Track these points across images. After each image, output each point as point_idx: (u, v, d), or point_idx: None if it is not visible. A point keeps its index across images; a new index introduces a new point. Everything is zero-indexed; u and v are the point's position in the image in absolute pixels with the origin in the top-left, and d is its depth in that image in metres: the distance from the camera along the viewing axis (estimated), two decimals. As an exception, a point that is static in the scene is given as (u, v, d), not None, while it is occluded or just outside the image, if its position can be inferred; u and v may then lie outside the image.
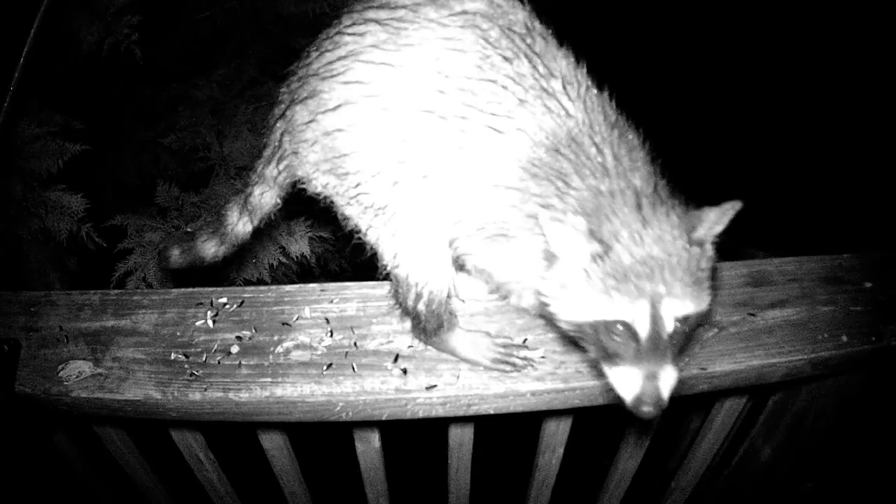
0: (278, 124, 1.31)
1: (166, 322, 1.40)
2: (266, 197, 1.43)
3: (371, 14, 1.17)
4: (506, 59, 1.12)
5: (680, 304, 1.03)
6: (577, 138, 1.12)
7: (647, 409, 1.04)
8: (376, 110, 1.15)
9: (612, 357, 1.07)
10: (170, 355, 1.33)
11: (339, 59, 1.18)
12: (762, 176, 4.28)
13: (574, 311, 1.08)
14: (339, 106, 1.18)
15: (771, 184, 4.25)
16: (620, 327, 1.04)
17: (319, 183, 1.29)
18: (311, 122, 1.22)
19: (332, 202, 1.30)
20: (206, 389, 1.27)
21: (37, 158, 2.24)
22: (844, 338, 1.36)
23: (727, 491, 1.98)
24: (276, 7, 2.90)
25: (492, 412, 1.33)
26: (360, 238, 1.29)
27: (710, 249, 1.10)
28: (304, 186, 1.34)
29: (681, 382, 1.30)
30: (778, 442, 1.73)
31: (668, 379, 1.05)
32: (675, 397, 1.36)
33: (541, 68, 1.14)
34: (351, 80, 1.16)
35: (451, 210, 1.21)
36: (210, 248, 1.54)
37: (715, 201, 1.10)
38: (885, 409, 1.74)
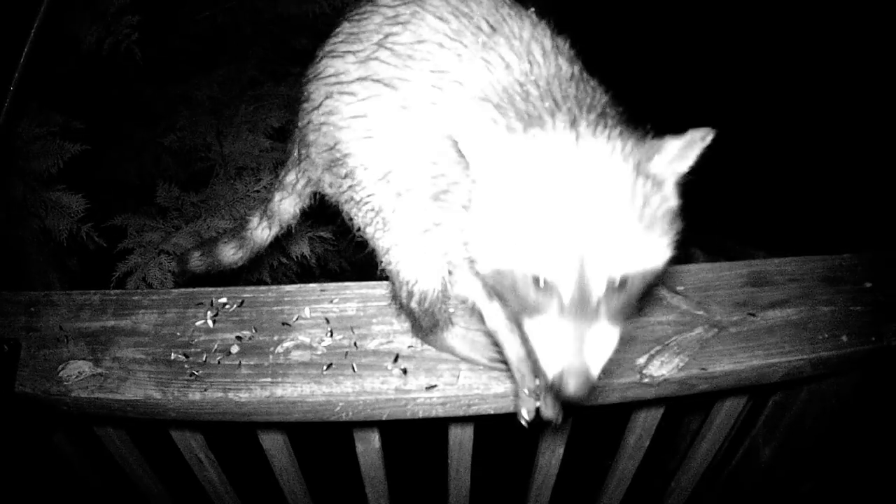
0: (295, 132, 1.34)
1: (166, 322, 1.40)
2: (285, 204, 1.46)
3: (346, 15, 1.23)
4: (440, 18, 1.11)
5: (617, 261, 0.84)
6: (518, 87, 1.02)
7: (569, 387, 0.85)
8: (347, 99, 1.18)
9: (533, 312, 0.90)
10: (170, 355, 1.33)
11: (321, 59, 1.23)
12: (762, 176, 4.28)
13: (486, 256, 0.92)
14: (321, 102, 1.21)
15: (771, 184, 4.25)
16: (539, 282, 0.87)
17: (325, 183, 1.31)
18: (308, 122, 1.25)
19: (336, 201, 1.31)
20: (206, 389, 1.27)
21: (37, 158, 2.23)
22: (844, 338, 1.36)
23: (727, 491, 1.98)
24: (276, 7, 2.90)
25: (492, 412, 1.33)
26: (360, 236, 1.29)
27: (670, 190, 0.92)
28: (320, 191, 1.37)
29: (681, 382, 1.31)
30: (778, 442, 1.73)
31: (598, 346, 0.87)
32: (675, 397, 1.37)
33: (484, 26, 1.10)
34: (325, 74, 1.20)
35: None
36: (230, 253, 1.57)
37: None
38: (886, 409, 1.74)
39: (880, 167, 3.99)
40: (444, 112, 1.07)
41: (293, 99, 2.74)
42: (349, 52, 1.18)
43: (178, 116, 2.79)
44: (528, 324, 0.92)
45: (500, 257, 0.90)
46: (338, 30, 1.23)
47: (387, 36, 1.13)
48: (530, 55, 1.08)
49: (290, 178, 1.41)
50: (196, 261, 1.62)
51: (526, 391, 1.22)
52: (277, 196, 1.46)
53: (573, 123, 0.90)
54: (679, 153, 0.89)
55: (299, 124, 1.30)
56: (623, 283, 0.87)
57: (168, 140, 2.74)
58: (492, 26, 1.10)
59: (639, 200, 0.85)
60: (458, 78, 1.07)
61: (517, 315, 0.95)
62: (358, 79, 1.15)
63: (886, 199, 3.70)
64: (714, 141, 0.89)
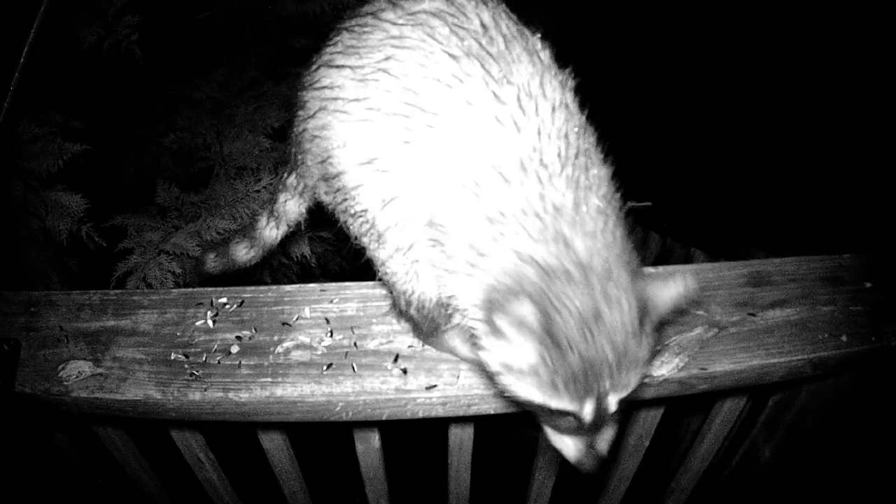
0: (291, 135, 1.33)
1: (166, 322, 1.40)
2: (289, 205, 1.48)
3: (345, 23, 1.18)
4: (452, 56, 1.05)
5: (626, 392, 1.01)
6: (526, 165, 1.01)
7: (587, 468, 1.06)
8: (341, 117, 1.15)
9: (555, 426, 1.07)
10: (170, 355, 1.33)
11: (318, 67, 1.20)
12: (762, 176, 4.28)
13: (517, 390, 1.03)
14: (315, 113, 1.19)
15: (771, 184, 4.25)
16: (566, 415, 1.02)
17: (321, 191, 1.29)
18: (303, 130, 1.23)
19: (332, 210, 1.30)
20: (206, 389, 1.27)
21: (37, 158, 2.23)
22: (844, 338, 1.36)
23: (727, 491, 1.98)
24: (276, 7, 2.90)
25: (492, 412, 1.33)
26: (357, 244, 1.28)
27: (656, 330, 1.05)
28: (317, 197, 1.36)
29: (681, 382, 1.31)
30: (778, 442, 1.73)
31: (607, 439, 1.06)
32: (676, 397, 1.37)
33: (494, 72, 1.04)
34: (321, 86, 1.17)
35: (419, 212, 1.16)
36: (242, 252, 1.60)
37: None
38: (886, 409, 1.74)
39: (880, 167, 3.99)
40: (450, 168, 1.05)
41: (293, 99, 2.74)
42: (346, 66, 1.13)
43: (178, 116, 2.79)
44: (546, 424, 1.07)
45: (529, 397, 1.01)
46: (336, 38, 1.18)
47: (388, 59, 1.08)
48: (541, 123, 1.04)
49: (291, 180, 1.41)
50: (211, 262, 1.65)
51: None
52: (282, 197, 1.47)
53: (590, 289, 0.96)
54: (670, 303, 1.03)
55: (295, 130, 1.28)
56: (626, 400, 1.02)
57: (168, 140, 2.74)
58: (504, 75, 1.04)
59: (644, 355, 0.99)
60: (467, 137, 1.04)
61: (542, 420, 1.08)
62: (354, 99, 1.11)
63: (886, 199, 3.70)
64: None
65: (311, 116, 1.19)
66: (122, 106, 2.88)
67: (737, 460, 1.88)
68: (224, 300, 1.43)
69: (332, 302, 1.42)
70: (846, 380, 1.53)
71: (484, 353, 1.04)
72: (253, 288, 1.47)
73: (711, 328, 1.36)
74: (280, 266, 2.54)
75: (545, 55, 1.11)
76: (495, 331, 0.98)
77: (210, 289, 1.47)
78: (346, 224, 1.27)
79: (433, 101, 1.05)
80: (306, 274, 2.69)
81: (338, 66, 1.15)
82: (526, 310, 0.92)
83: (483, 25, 1.08)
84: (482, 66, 1.04)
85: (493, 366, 1.03)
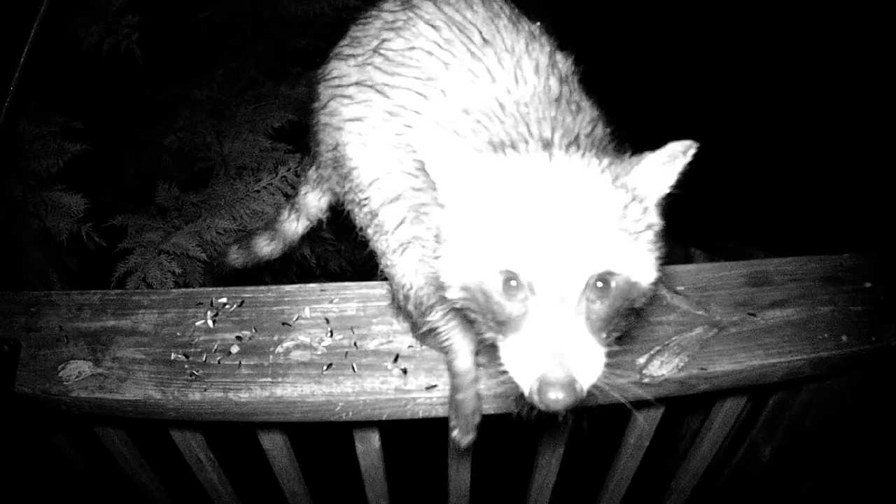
0: (311, 129, 1.38)
1: (166, 322, 1.39)
2: (309, 197, 1.52)
3: (358, 19, 1.26)
4: (433, 26, 1.11)
5: (596, 257, 0.80)
6: (498, 107, 1.02)
7: (552, 396, 0.76)
8: (345, 101, 1.20)
9: (507, 329, 0.83)
10: (170, 355, 1.33)
11: (329, 60, 1.27)
12: (762, 176, 4.28)
13: (456, 268, 0.87)
14: (326, 102, 1.25)
15: (771, 184, 4.25)
16: (513, 283, 0.81)
17: (334, 181, 1.33)
18: (317, 122, 1.29)
19: (342, 200, 1.34)
20: (206, 389, 1.27)
21: (37, 158, 2.23)
22: (844, 338, 1.36)
23: (727, 491, 1.98)
24: (276, 7, 2.90)
25: (492, 412, 1.33)
26: (361, 236, 1.29)
27: (652, 207, 0.89)
28: (331, 189, 1.40)
29: (681, 382, 1.31)
30: (778, 442, 1.73)
31: (585, 356, 0.80)
32: (676, 397, 1.37)
33: (476, 37, 1.09)
34: (330, 76, 1.24)
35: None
36: (263, 244, 1.63)
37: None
38: (886, 409, 1.74)
39: (880, 167, 3.99)
40: (426, 123, 1.07)
41: (293, 99, 2.75)
42: (351, 55, 1.21)
43: (178, 116, 2.79)
44: (505, 345, 0.85)
45: (470, 271, 0.86)
46: (347, 32, 1.26)
47: (382, 41, 1.15)
48: (518, 70, 1.06)
49: (311, 172, 1.47)
50: (234, 254, 1.68)
51: None
52: (302, 189, 1.52)
53: (545, 146, 0.89)
54: (660, 167, 0.87)
55: (312, 122, 1.33)
56: (605, 284, 0.82)
57: (168, 140, 2.74)
58: (484, 38, 1.09)
59: (616, 207, 0.83)
60: (443, 87, 1.07)
61: (495, 340, 0.90)
62: (355, 83, 1.18)
63: (886, 199, 3.70)
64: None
65: (323, 106, 1.25)
66: (122, 106, 2.88)
67: (737, 460, 1.88)
68: (224, 300, 1.43)
69: (332, 302, 1.42)
70: (846, 380, 1.52)
71: (431, 248, 0.94)
72: (253, 288, 1.47)
73: (711, 328, 1.36)
74: (280, 266, 2.54)
75: (533, 27, 1.14)
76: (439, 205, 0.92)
77: (210, 289, 1.47)
78: (353, 214, 1.30)
79: (415, 69, 1.10)
80: (306, 274, 2.69)
81: (344, 57, 1.22)
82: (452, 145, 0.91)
83: (468, 3, 1.13)
84: (461, 31, 1.09)
85: (436, 250, 0.90)
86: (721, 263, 1.52)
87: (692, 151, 0.85)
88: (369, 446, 1.54)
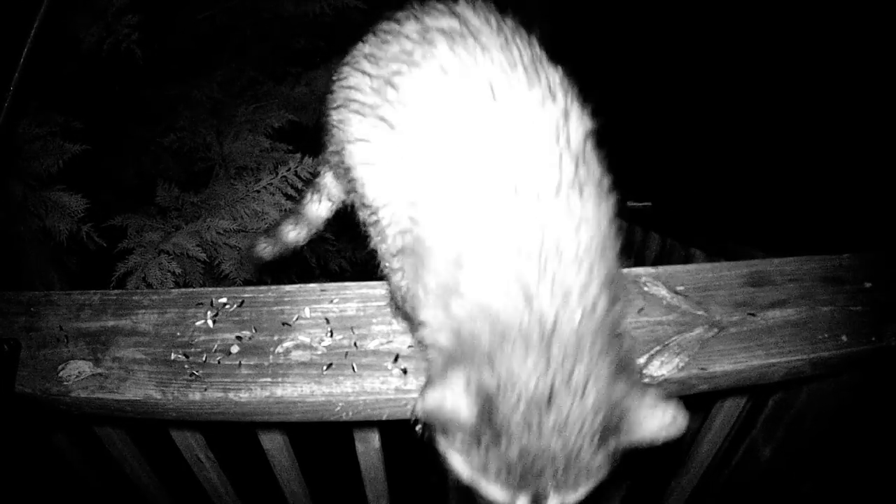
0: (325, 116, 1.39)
1: (166, 322, 1.40)
2: (328, 178, 1.54)
3: (378, 25, 1.22)
4: (444, 71, 1.03)
5: (573, 498, 0.87)
6: (516, 187, 0.92)
7: None
8: (356, 118, 1.19)
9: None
10: (170, 355, 1.33)
11: (345, 64, 1.26)
12: (762, 176, 4.28)
13: (446, 455, 0.93)
14: (338, 106, 1.25)
15: (771, 184, 4.25)
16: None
17: (342, 169, 1.34)
18: (329, 116, 1.29)
19: (349, 190, 1.35)
20: (206, 389, 1.27)
21: (37, 158, 2.24)
22: (844, 338, 1.36)
23: (727, 491, 1.97)
24: (276, 7, 2.90)
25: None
26: (364, 231, 1.30)
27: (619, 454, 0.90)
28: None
29: (681, 382, 1.31)
30: (778, 442, 1.73)
31: None
32: (675, 397, 1.36)
33: (485, 92, 0.97)
34: (345, 84, 1.23)
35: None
36: (289, 230, 1.63)
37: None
38: (886, 409, 1.74)
39: (880, 167, 3.99)
40: (429, 185, 1.01)
41: (293, 99, 2.75)
42: (366, 72, 1.17)
43: (178, 116, 2.79)
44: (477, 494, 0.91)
45: (460, 472, 0.91)
46: (367, 38, 1.22)
47: (396, 73, 1.09)
48: (538, 144, 0.94)
49: (328, 155, 1.45)
50: (263, 244, 1.67)
51: None
52: (322, 170, 1.53)
53: (547, 366, 0.82)
54: (651, 435, 0.85)
55: (326, 111, 1.32)
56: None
57: (168, 140, 2.75)
58: (495, 95, 0.97)
59: (597, 463, 0.85)
60: (446, 149, 1.00)
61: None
62: (369, 105, 1.15)
63: (886, 199, 3.70)
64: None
65: (336, 108, 1.25)
66: (122, 106, 2.88)
67: (737, 460, 1.88)
68: (224, 300, 1.43)
69: (332, 302, 1.42)
70: (846, 380, 1.52)
71: (420, 401, 0.87)
72: (253, 288, 1.47)
73: (711, 328, 1.36)
74: (280, 266, 2.54)
75: (559, 85, 1.02)
76: (433, 384, 0.85)
77: (210, 289, 1.47)
78: (357, 207, 1.31)
79: (422, 115, 1.05)
80: (306, 274, 2.69)
81: (361, 71, 1.19)
82: (460, 385, 0.80)
83: (483, 47, 1.04)
84: (472, 83, 1.00)
85: (421, 414, 0.87)
86: (721, 263, 1.52)
87: (681, 424, 0.84)
88: (369, 446, 1.54)
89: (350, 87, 1.20)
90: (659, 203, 3.41)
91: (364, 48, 1.21)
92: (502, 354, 0.81)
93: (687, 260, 3.00)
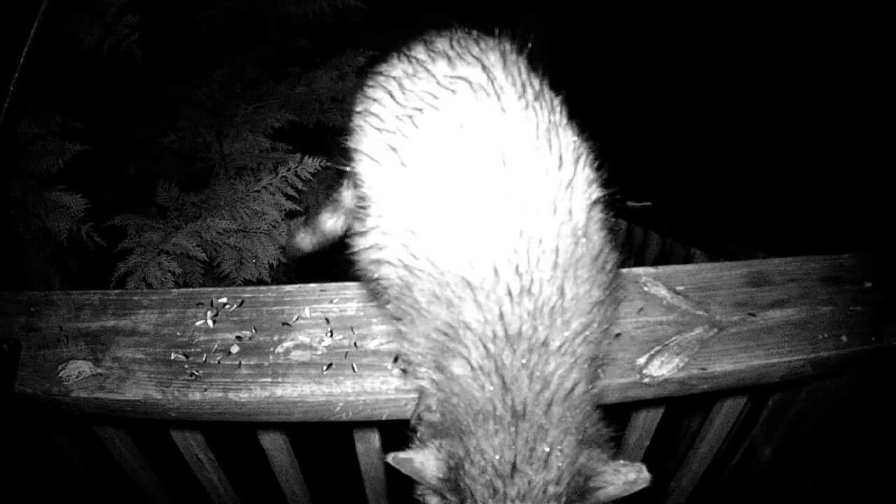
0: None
1: (166, 322, 1.39)
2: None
3: (411, 51, 1.21)
4: (461, 126, 1.03)
5: None
6: (499, 270, 0.94)
7: None
8: (370, 137, 1.19)
9: None
10: (170, 355, 1.33)
11: (371, 78, 1.26)
12: (762, 176, 4.28)
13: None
14: (359, 112, 1.25)
15: (771, 184, 4.25)
16: None
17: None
18: (352, 112, 1.30)
19: None
20: (206, 389, 1.27)
21: (37, 158, 2.24)
22: (844, 338, 1.36)
23: (727, 491, 1.98)
24: (276, 7, 2.90)
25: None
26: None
27: None
28: None
29: (681, 382, 1.31)
30: (778, 442, 1.73)
31: None
32: (676, 397, 1.36)
33: (495, 157, 0.97)
34: (367, 95, 1.24)
35: None
36: (326, 218, 1.64)
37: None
38: (886, 409, 1.74)
39: (880, 167, 3.99)
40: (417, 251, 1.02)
41: (293, 99, 2.75)
42: (393, 96, 1.15)
43: (178, 116, 2.79)
44: None
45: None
46: (398, 59, 1.20)
47: (417, 111, 1.09)
48: (533, 228, 0.95)
49: None
50: (302, 233, 1.70)
51: None
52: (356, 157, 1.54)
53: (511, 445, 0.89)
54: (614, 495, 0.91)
55: (352, 105, 1.33)
56: None
57: (168, 140, 2.75)
58: (505, 161, 0.97)
59: None
60: (439, 215, 1.00)
61: None
62: (388, 129, 1.14)
63: (886, 199, 3.70)
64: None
65: (358, 112, 1.24)
66: (122, 106, 2.89)
67: (737, 460, 1.88)
68: (224, 300, 1.43)
69: (332, 302, 1.42)
70: (846, 380, 1.53)
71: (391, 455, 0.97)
72: (253, 288, 1.47)
73: (711, 328, 1.36)
74: (280, 266, 2.54)
75: (571, 152, 1.02)
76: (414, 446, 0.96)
77: (210, 289, 1.47)
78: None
79: (429, 166, 1.04)
80: (306, 274, 2.69)
81: (388, 92, 1.17)
82: (433, 448, 0.90)
83: (504, 108, 1.03)
84: (482, 147, 1.00)
85: (393, 463, 0.96)
86: (721, 263, 1.52)
87: (644, 480, 0.92)
88: (369, 446, 1.54)
89: (375, 100, 1.19)
90: (659, 203, 3.41)
91: (398, 67, 1.19)
92: (475, 430, 0.88)
93: (687, 260, 3.00)
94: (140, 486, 1.78)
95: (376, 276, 1.16)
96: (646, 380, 1.28)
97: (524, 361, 0.90)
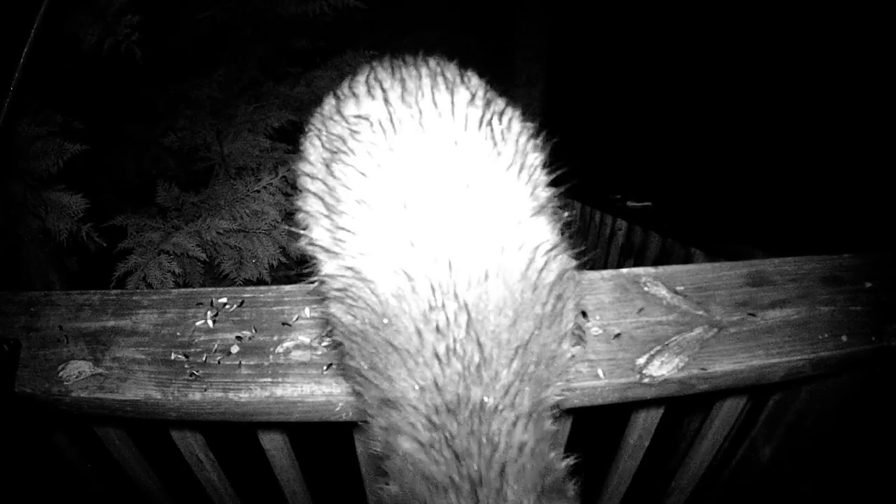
0: None
1: (166, 322, 1.39)
2: None
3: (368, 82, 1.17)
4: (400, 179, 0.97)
5: None
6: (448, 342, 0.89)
7: None
8: (307, 155, 1.21)
9: None
10: (170, 355, 1.33)
11: (329, 98, 1.25)
12: (762, 176, 4.28)
13: None
14: (307, 127, 1.26)
15: (771, 183, 4.25)
16: None
17: None
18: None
19: None
20: (206, 389, 1.27)
21: (37, 158, 2.24)
22: (844, 338, 1.36)
23: (727, 491, 1.97)
24: (276, 7, 2.90)
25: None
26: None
27: None
28: None
29: (681, 382, 1.31)
30: (778, 442, 1.73)
31: None
32: (676, 397, 1.36)
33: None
34: (319, 116, 1.24)
35: None
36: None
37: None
38: (886, 409, 1.74)
39: (880, 167, 3.99)
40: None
41: (293, 99, 2.75)
42: (319, 136, 1.16)
43: (178, 116, 2.80)
44: None
45: None
46: (330, 97, 1.20)
47: (333, 155, 1.05)
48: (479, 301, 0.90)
49: None
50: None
51: None
52: None
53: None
54: None
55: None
56: None
57: (168, 140, 2.75)
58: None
59: None
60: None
61: None
62: (313, 174, 1.14)
63: (886, 199, 3.70)
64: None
65: (306, 134, 1.24)
66: (122, 106, 2.89)
67: (737, 460, 1.88)
68: (224, 300, 1.43)
69: (332, 302, 1.42)
70: (846, 380, 1.52)
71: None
72: (253, 288, 1.47)
73: (711, 328, 1.36)
74: (280, 266, 2.54)
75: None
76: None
77: (210, 289, 1.46)
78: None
79: (346, 217, 1.01)
80: (306, 274, 2.69)
81: (316, 129, 1.18)
82: None
83: (393, 148, 0.99)
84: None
85: None
86: (721, 263, 1.51)
87: None
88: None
89: (310, 133, 1.20)
90: (659, 203, 3.41)
91: (328, 105, 1.18)
92: (437, 502, 0.87)
93: (687, 260, 3.00)
94: (140, 486, 1.78)
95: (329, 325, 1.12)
96: (646, 380, 1.28)
97: (471, 428, 0.87)
